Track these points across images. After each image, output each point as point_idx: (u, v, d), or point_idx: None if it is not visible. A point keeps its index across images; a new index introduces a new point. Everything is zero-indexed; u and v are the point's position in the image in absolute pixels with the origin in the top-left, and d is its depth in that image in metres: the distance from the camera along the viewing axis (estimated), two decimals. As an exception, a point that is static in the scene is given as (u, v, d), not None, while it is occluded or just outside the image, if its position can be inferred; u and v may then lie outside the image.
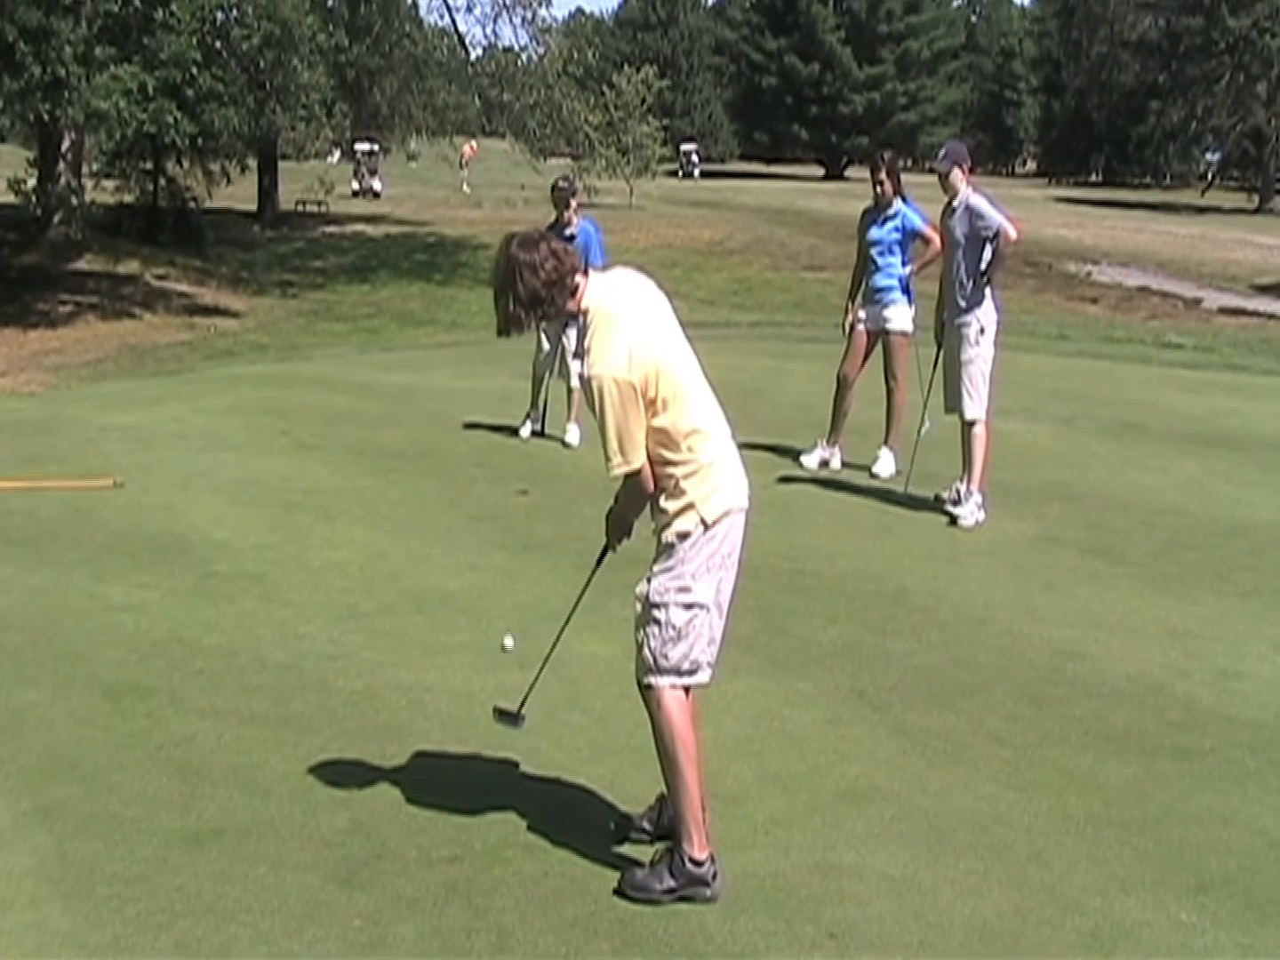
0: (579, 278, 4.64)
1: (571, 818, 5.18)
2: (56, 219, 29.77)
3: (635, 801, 5.22)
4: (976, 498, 9.59)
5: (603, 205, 43.70)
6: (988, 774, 5.64)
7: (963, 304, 9.65)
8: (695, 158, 74.96)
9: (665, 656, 4.70)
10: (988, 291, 9.69)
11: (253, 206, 40.69)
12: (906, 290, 10.93)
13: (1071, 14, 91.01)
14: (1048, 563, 8.69)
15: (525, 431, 12.08)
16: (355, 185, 49.93)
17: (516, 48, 38.96)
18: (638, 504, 4.82)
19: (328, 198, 43.33)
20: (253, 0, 23.16)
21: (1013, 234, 9.53)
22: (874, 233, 10.87)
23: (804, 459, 11.09)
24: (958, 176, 9.60)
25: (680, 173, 71.08)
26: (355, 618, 7.36)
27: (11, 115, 22.22)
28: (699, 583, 4.66)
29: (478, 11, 42.82)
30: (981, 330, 9.65)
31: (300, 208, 43.04)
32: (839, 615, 7.55)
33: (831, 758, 5.77)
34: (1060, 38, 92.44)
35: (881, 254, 10.83)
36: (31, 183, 30.92)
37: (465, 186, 54.07)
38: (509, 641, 6.21)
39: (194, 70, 22.22)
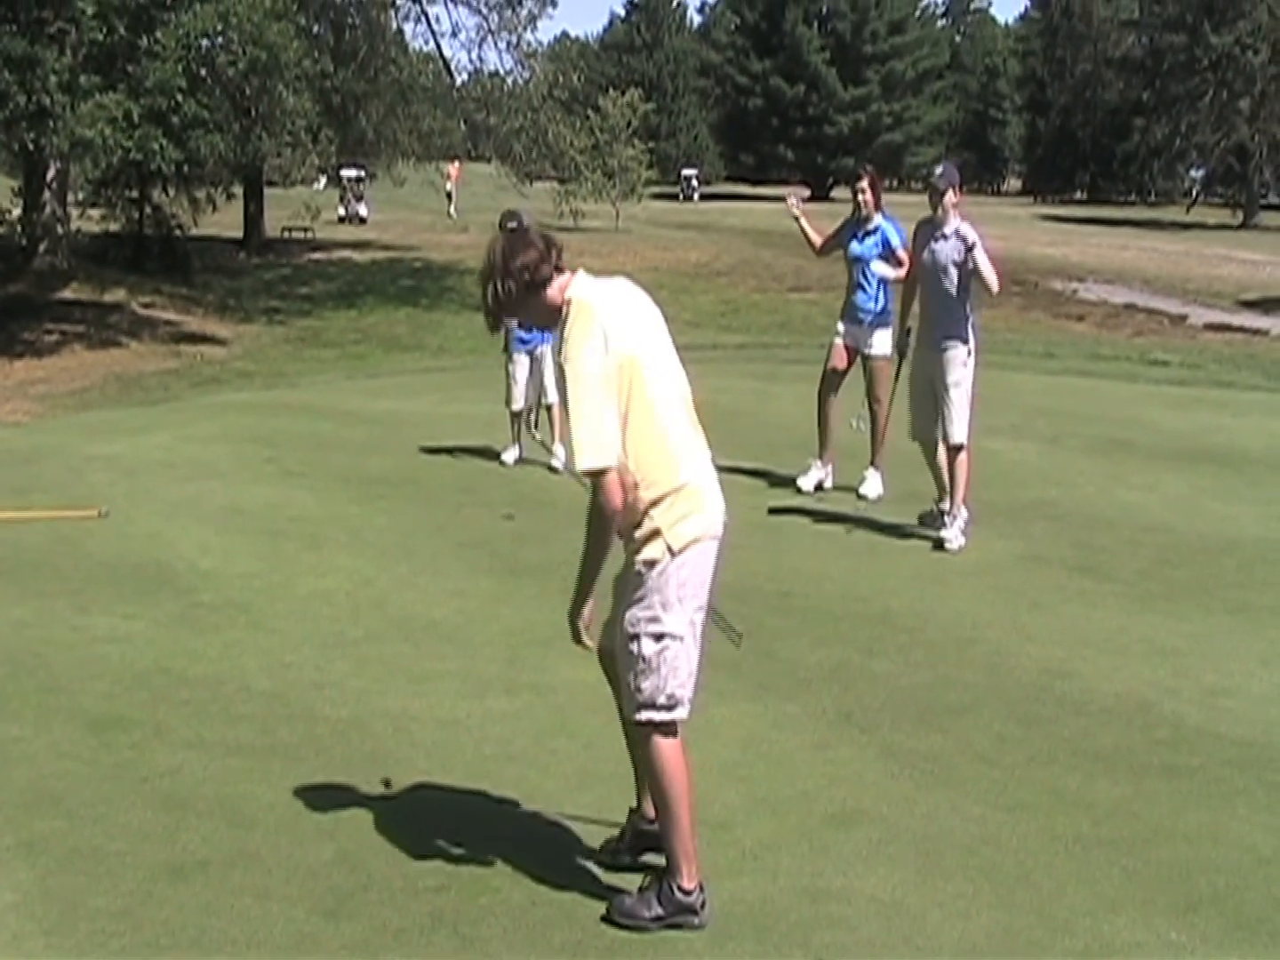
0: (565, 276, 4.62)
1: (559, 846, 5.15)
2: (42, 248, 29.78)
3: (622, 828, 5.21)
4: (961, 521, 9.56)
5: (589, 229, 43.82)
6: (976, 795, 5.62)
7: (950, 329, 9.57)
8: (695, 182, 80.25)
9: (640, 690, 4.61)
10: (973, 316, 9.68)
11: (239, 233, 40.74)
12: (886, 311, 10.80)
13: (1055, 32, 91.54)
14: (1035, 581, 8.68)
15: (509, 458, 12.03)
16: (341, 211, 50.02)
17: (502, 72, 39.11)
18: (602, 528, 4.52)
19: (314, 224, 43.42)
20: (238, 27, 23.18)
21: (995, 288, 9.55)
22: (855, 248, 10.75)
23: (800, 482, 10.94)
24: (951, 199, 9.54)
25: (681, 196, 75.65)
26: (342, 645, 7.33)
27: (-4, 144, 22.25)
28: (669, 613, 4.56)
29: (463, 37, 43.08)
30: (969, 354, 9.60)
31: (286, 234, 43.11)
32: (826, 637, 7.53)
33: (820, 781, 5.75)
34: (1044, 56, 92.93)
35: (866, 271, 10.71)
36: (17, 212, 30.99)
37: (451, 210, 54.12)
38: None
39: (179, 97, 22.26)
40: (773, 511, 10.29)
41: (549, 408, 11.72)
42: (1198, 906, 4.80)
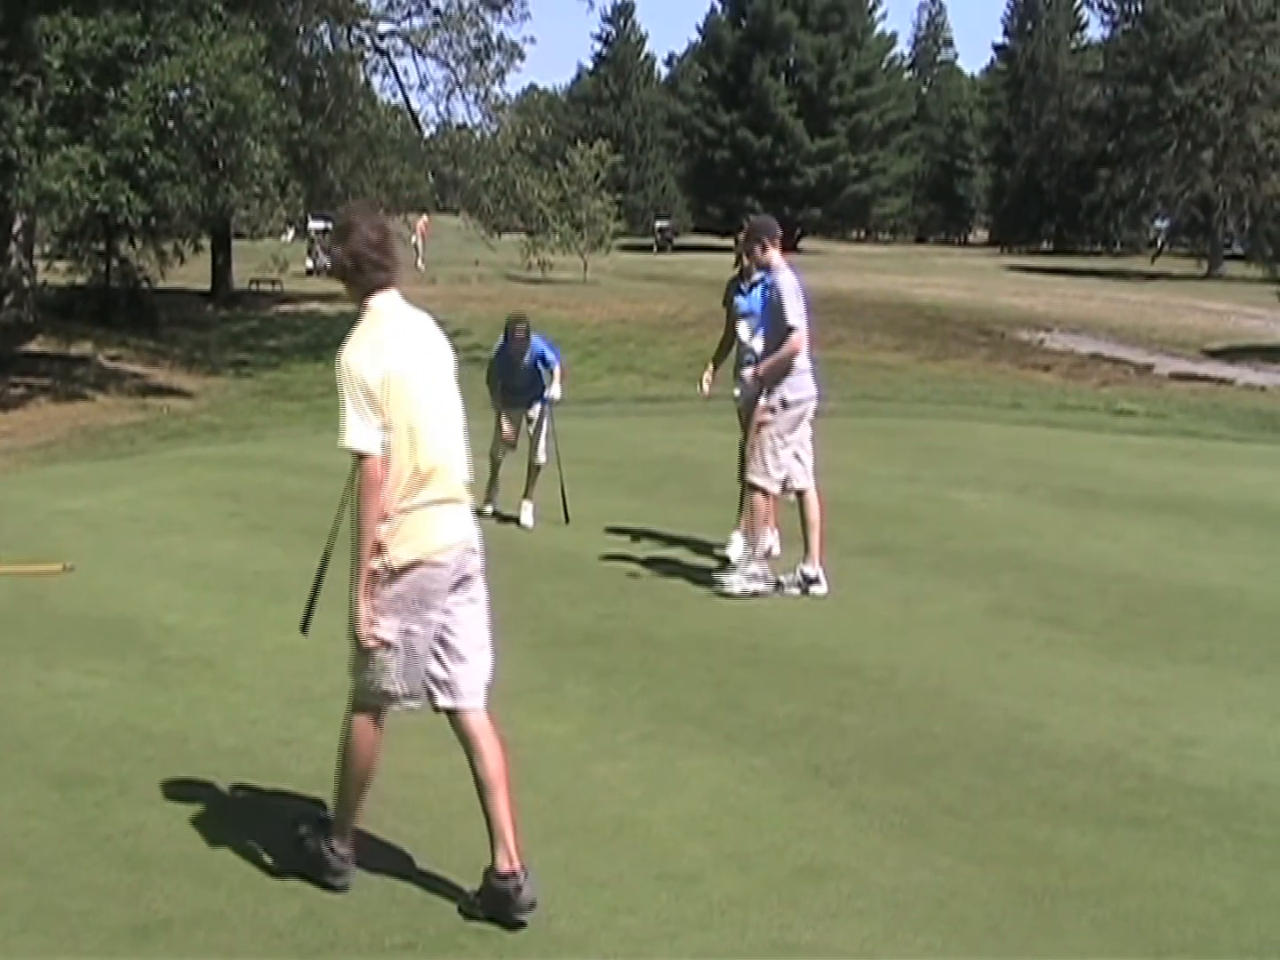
0: (386, 290, 5.13)
1: (526, 901, 5.11)
2: (8, 301, 29.71)
3: (590, 883, 5.19)
4: (753, 568, 9.52)
5: (557, 280, 43.92)
6: (945, 847, 5.61)
7: (758, 379, 9.65)
8: (670, 234, 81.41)
9: (353, 676, 5.21)
10: (798, 372, 9.57)
11: (206, 286, 40.71)
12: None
13: (1021, 84, 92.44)
14: (1003, 632, 8.69)
15: (487, 510, 11.85)
16: (310, 263, 49.92)
17: (470, 125, 39.26)
18: (368, 504, 4.91)
19: (282, 276, 43.40)
20: (206, 79, 23.24)
21: (794, 348, 9.43)
22: (742, 303, 10.46)
23: (730, 551, 10.25)
24: (758, 252, 9.67)
25: (655, 247, 76.22)
26: (308, 701, 7.28)
27: (-39, 198, 22.22)
28: (383, 618, 4.98)
29: (431, 89, 43.15)
30: (783, 403, 9.51)
31: (254, 286, 43.06)
32: (794, 689, 7.52)
33: (788, 834, 5.73)
34: (1010, 108, 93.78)
35: (752, 328, 10.34)
36: (-18, 265, 30.90)
37: (419, 264, 54.10)
38: None
39: (146, 149, 22.28)
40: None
41: (534, 467, 11.75)
42: (1167, 955, 4.80)
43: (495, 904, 4.97)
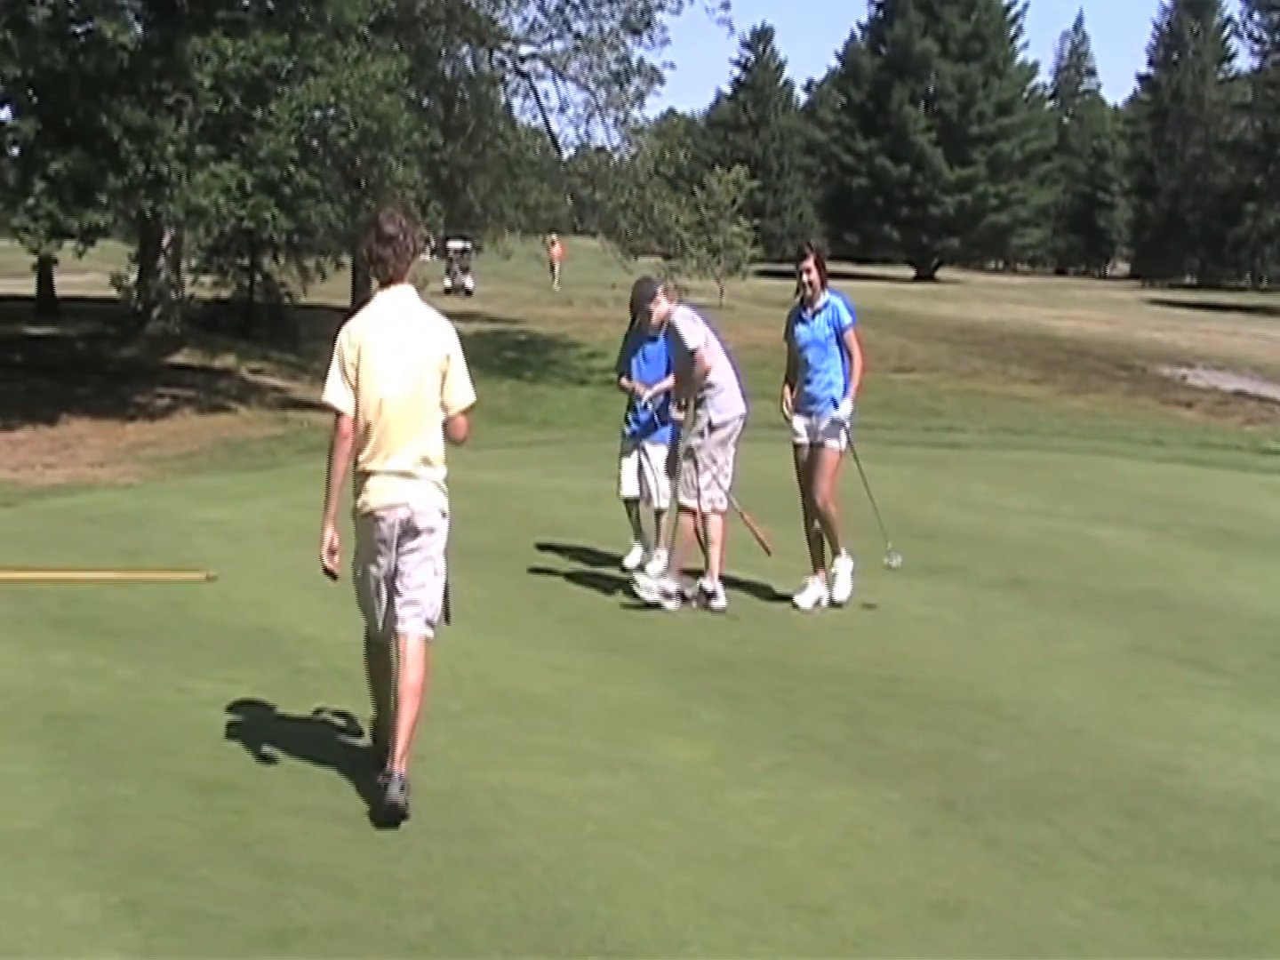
0: (395, 285, 6.48)
1: (658, 927, 5.11)
2: (155, 313, 30.35)
3: (722, 910, 5.17)
4: (666, 583, 9.74)
5: (693, 305, 43.89)
6: (1082, 890, 5.52)
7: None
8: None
9: None
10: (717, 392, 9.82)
11: (346, 302, 41.15)
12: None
13: (1165, 116, 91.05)
14: (1142, 673, 8.54)
15: (630, 560, 11.11)
16: (448, 282, 50.48)
17: (609, 148, 39.35)
18: (336, 449, 6.28)
19: (420, 294, 43.86)
20: (350, 99, 23.57)
21: (704, 366, 9.77)
22: (804, 332, 9.97)
23: (799, 600, 9.92)
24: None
25: None
26: (442, 718, 7.32)
27: (115, 211, 22.69)
28: (356, 556, 6.43)
29: (570, 112, 43.13)
30: (709, 425, 9.74)
31: (394, 304, 43.48)
32: (930, 723, 7.45)
33: (922, 870, 5.68)
34: (1154, 139, 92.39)
35: (816, 357, 9.92)
36: (132, 278, 31.61)
37: (555, 285, 54.51)
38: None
39: (291, 167, 22.62)
40: (871, 586, 10.14)
41: (657, 512, 10.88)
42: (1312, 1014, 4.68)
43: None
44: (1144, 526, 13.13)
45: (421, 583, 6.28)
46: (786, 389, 10.27)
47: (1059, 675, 8.46)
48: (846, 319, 9.89)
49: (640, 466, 10.90)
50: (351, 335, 6.27)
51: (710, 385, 9.73)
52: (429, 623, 6.31)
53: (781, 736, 7.18)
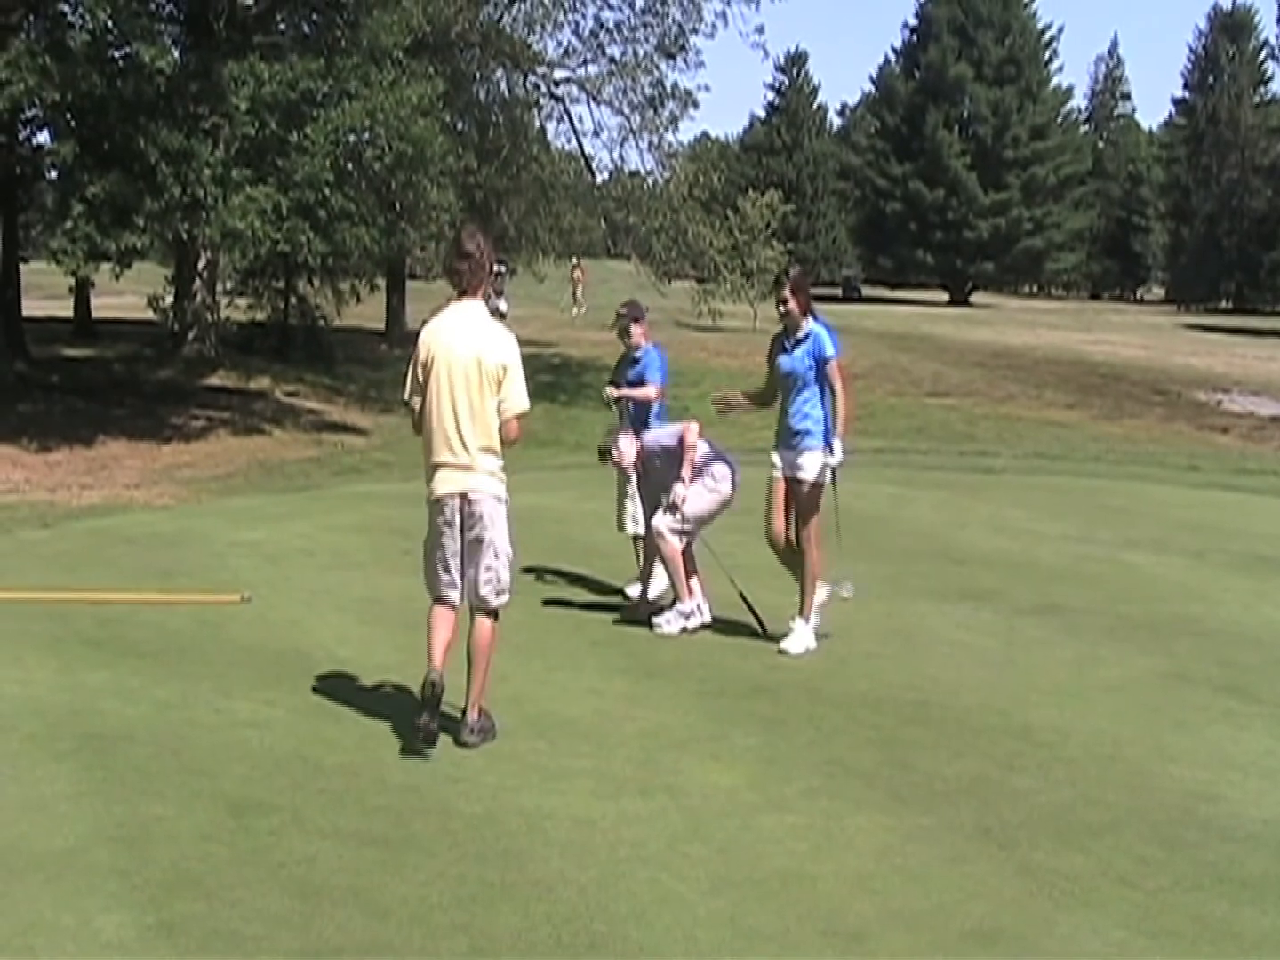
0: (468, 297, 7.27)
1: (691, 952, 5.11)
2: (192, 335, 30.58)
3: (756, 935, 5.17)
4: (681, 606, 9.86)
5: (727, 328, 44.00)
6: (1117, 918, 5.49)
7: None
8: (856, 282, 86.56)
9: None
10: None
11: (381, 325, 41.46)
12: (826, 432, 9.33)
13: (1201, 139, 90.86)
14: (1178, 700, 8.49)
15: (631, 591, 10.89)
16: (483, 305, 50.40)
17: (643, 172, 39.56)
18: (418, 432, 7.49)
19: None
20: (385, 122, 23.73)
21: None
22: (785, 362, 9.43)
23: (785, 646, 9.29)
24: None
25: (843, 294, 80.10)
26: (477, 739, 7.37)
27: (152, 234, 22.89)
28: (427, 534, 7.38)
29: (605, 136, 43.44)
30: (712, 478, 9.99)
31: (428, 327, 43.64)
32: (964, 749, 7.42)
33: (956, 896, 5.65)
34: (1189, 163, 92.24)
35: (794, 389, 9.37)
36: (169, 300, 31.84)
37: (574, 310, 53.16)
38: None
39: (327, 190, 22.79)
40: (904, 610, 10.17)
41: (634, 538, 10.98)
42: (1350, 1046, 4.65)
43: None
44: (1179, 553, 13.06)
45: (488, 564, 7.28)
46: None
47: (1094, 702, 8.42)
48: (829, 351, 9.31)
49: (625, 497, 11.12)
50: (425, 338, 7.27)
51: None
52: (496, 593, 7.33)
53: (815, 761, 7.17)
